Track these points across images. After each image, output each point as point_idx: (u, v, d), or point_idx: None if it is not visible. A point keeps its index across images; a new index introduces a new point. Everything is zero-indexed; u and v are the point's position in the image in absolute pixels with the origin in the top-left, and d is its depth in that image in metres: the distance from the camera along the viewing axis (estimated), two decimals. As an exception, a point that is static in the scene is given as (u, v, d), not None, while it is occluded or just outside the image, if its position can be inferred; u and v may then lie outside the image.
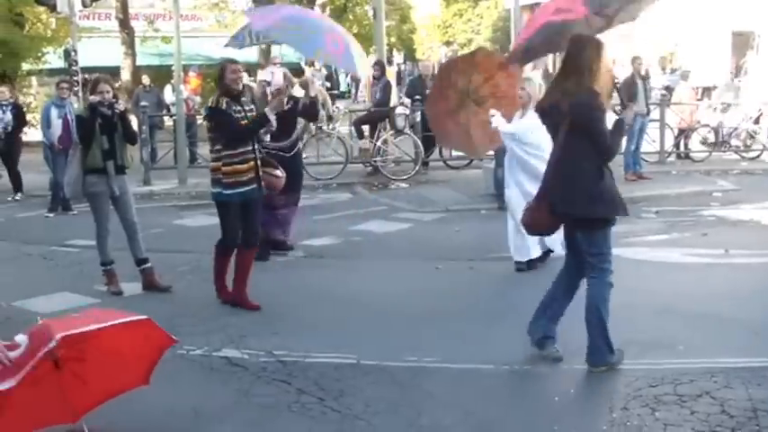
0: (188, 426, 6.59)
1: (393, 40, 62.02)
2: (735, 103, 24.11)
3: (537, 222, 7.46)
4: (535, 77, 10.54)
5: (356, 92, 30.43)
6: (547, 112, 7.45)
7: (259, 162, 9.63)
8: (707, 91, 34.00)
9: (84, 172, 10.10)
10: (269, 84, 12.19)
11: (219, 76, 9.61)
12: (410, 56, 71.34)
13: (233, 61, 9.66)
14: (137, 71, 31.84)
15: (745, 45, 39.04)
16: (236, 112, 9.33)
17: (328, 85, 30.20)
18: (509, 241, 10.83)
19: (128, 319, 6.05)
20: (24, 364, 5.40)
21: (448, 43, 78.22)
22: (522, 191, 10.25)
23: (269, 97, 11.33)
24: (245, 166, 9.39)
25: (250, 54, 34.85)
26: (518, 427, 6.45)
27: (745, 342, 8.12)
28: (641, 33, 40.80)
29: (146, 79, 25.52)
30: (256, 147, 9.65)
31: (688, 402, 6.67)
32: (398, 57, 63.69)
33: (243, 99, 9.66)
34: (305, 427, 6.47)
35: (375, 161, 19.91)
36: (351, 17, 43.41)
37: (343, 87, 44.69)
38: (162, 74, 30.86)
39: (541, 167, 8.55)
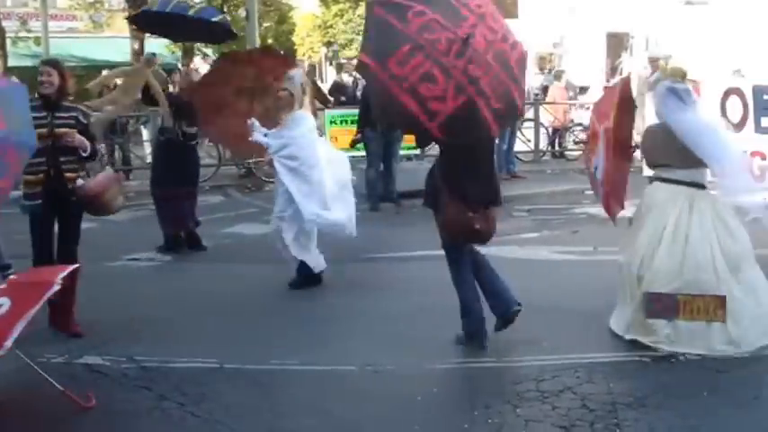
0: (46, 434, 6.48)
1: (270, 41, 61.63)
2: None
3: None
4: (297, 77, 10.23)
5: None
6: None
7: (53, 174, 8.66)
8: (582, 91, 34.56)
9: None
10: None
11: None
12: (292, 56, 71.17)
13: (48, 62, 9.05)
14: (8, 72, 31.12)
15: (619, 46, 39.80)
16: (35, 119, 8.17)
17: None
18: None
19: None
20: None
21: (329, 44, 78.21)
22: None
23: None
24: (32, 177, 8.57)
25: (124, 54, 34.41)
26: (379, 427, 6.46)
27: (607, 337, 8.27)
28: (522, 34, 41.10)
29: (14, 81, 24.93)
30: (62, 159, 8.68)
31: (550, 398, 6.77)
32: (278, 58, 63.40)
33: (63, 104, 8.79)
34: (164, 432, 6.41)
35: (248, 163, 19.79)
36: (228, 19, 43.04)
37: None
38: (35, 75, 30.23)
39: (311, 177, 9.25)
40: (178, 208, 12.05)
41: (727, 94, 12.15)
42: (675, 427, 6.25)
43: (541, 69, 31.16)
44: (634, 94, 10.42)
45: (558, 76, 24.75)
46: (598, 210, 14.76)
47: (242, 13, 34.73)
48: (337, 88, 21.41)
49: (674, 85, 8.15)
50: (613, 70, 37.97)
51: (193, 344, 8.29)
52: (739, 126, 12.09)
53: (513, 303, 7.99)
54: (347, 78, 20.60)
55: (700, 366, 7.46)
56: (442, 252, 8.03)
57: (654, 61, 16.22)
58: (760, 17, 27.28)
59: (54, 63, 8.92)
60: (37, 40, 33.41)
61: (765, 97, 11.83)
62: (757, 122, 11.96)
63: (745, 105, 12.03)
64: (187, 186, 12.14)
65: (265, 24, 47.41)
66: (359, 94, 18.11)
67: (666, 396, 6.81)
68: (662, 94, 8.07)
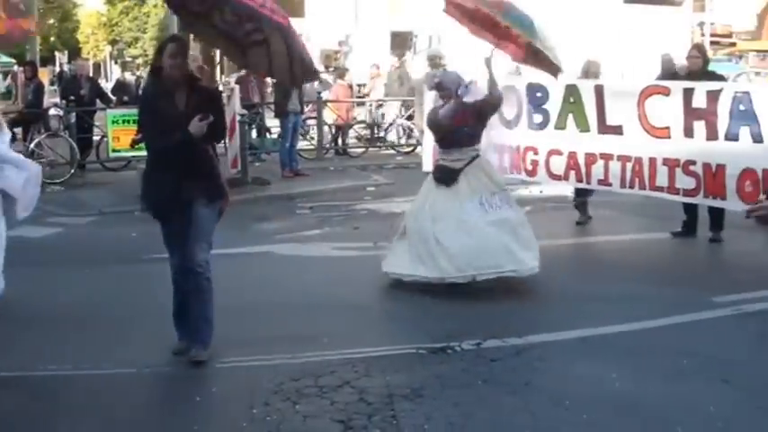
0: None
1: (53, 39, 60.04)
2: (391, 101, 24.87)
3: None
4: None
5: (16, 92, 29.28)
6: None
7: None
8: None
9: None
10: None
11: None
12: (76, 55, 69.41)
13: None
14: None
15: (403, 45, 40.44)
16: None
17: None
18: None
19: None
20: None
21: (114, 42, 76.74)
22: None
23: None
24: None
25: None
26: (158, 429, 6.38)
27: (385, 331, 8.40)
28: (309, 32, 41.38)
29: None
30: None
31: (328, 393, 6.81)
32: (63, 57, 61.76)
33: None
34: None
35: (28, 164, 19.18)
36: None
37: (0, 89, 42.91)
38: None
39: None
40: None
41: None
42: (451, 416, 6.38)
43: (327, 68, 31.34)
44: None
45: (341, 75, 24.94)
46: (379, 206, 15.08)
47: (21, 6, 33.61)
48: (120, 87, 21.09)
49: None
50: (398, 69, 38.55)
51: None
52: (514, 122, 12.49)
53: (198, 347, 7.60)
54: (130, 77, 20.26)
55: (474, 356, 7.67)
56: (222, 251, 7.97)
57: (433, 59, 16.53)
58: (535, 16, 28.09)
59: None
60: None
61: (538, 95, 12.26)
62: (530, 119, 12.38)
63: (520, 103, 12.44)
64: None
65: (48, 22, 46.19)
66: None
67: (442, 386, 6.95)
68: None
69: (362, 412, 6.45)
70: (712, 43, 44.24)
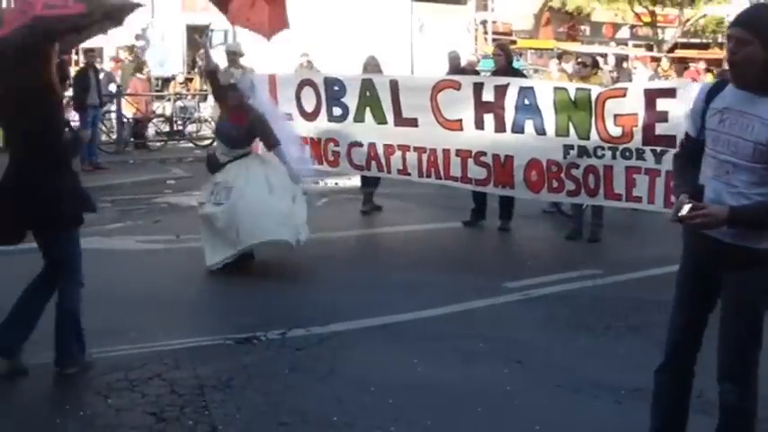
0: None
1: None
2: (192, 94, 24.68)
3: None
4: None
5: None
6: None
7: None
8: (166, 82, 34.40)
9: None
10: None
11: None
12: None
13: None
14: None
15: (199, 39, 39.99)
16: None
17: None
18: None
19: None
20: None
21: None
22: None
23: None
24: None
25: None
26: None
27: (192, 323, 8.34)
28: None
29: None
30: None
31: (139, 386, 6.71)
32: None
33: None
34: None
35: None
36: None
37: None
38: None
39: None
40: None
41: (302, 84, 12.58)
42: (261, 405, 6.39)
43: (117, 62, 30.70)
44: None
45: (139, 68, 24.53)
46: (179, 199, 14.91)
47: None
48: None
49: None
50: (194, 62, 38.12)
51: None
52: (314, 115, 12.55)
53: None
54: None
55: (280, 345, 7.69)
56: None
57: (231, 55, 16.41)
58: (327, 11, 28.27)
59: None
60: None
61: (335, 88, 12.35)
62: (330, 112, 12.46)
63: (318, 96, 12.50)
64: None
65: None
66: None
67: (250, 376, 6.95)
68: None
69: (174, 404, 6.38)
70: (494, 41, 45.43)
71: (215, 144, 10.97)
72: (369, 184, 13.85)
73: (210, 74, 11.08)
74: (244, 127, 10.23)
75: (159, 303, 8.97)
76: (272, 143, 10.33)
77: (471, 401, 6.49)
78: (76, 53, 28.64)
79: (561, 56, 23.97)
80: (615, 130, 10.50)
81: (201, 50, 38.64)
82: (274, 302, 9.07)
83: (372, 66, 13.62)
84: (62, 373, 6.98)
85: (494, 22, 52.26)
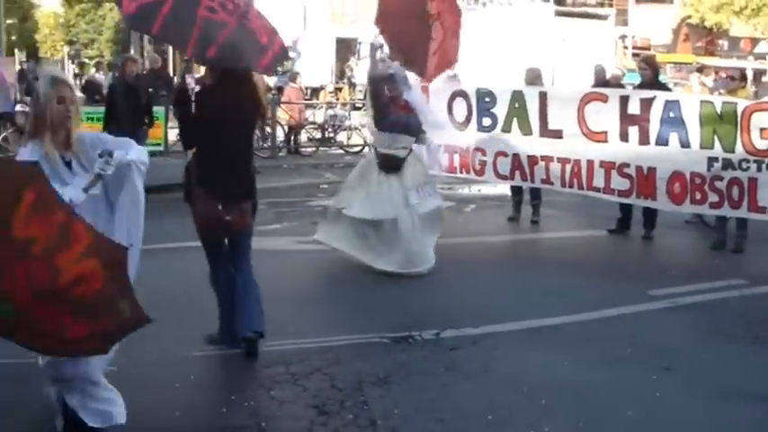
0: None
1: (14, 38, 59.07)
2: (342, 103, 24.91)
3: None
4: None
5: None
6: None
7: None
8: (315, 92, 34.86)
9: None
10: None
11: None
12: (34, 54, 68.37)
13: None
14: None
15: (347, 50, 40.39)
16: None
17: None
18: None
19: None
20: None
21: (71, 42, 75.79)
22: None
23: None
24: None
25: None
26: (140, 415, 6.28)
27: (349, 322, 8.40)
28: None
29: None
30: None
31: (301, 380, 6.80)
32: (22, 55, 60.80)
33: None
34: None
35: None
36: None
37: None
38: None
39: None
40: None
41: (453, 96, 12.59)
42: (417, 402, 6.41)
43: (275, 71, 31.13)
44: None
45: (293, 78, 24.88)
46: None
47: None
48: (90, 86, 20.81)
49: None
50: (342, 73, 38.55)
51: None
52: (464, 125, 12.54)
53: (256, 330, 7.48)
54: (100, 77, 19.98)
55: (435, 345, 7.70)
56: (183, 244, 7.85)
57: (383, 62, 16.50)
58: (473, 27, 28.26)
59: None
60: None
61: (487, 99, 12.32)
62: (479, 122, 12.44)
63: (470, 107, 12.49)
64: None
65: (9, 21, 45.53)
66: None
67: (407, 374, 6.97)
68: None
69: (335, 398, 6.45)
70: (634, 55, 44.78)
71: (369, 149, 10.92)
72: (517, 192, 13.75)
73: (376, 81, 11.02)
74: (409, 115, 10.41)
75: (316, 301, 9.09)
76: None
77: (622, 405, 6.40)
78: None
79: (701, 69, 23.52)
80: (761, 143, 10.23)
81: (350, 62, 39.15)
82: (428, 304, 9.09)
83: (534, 76, 13.54)
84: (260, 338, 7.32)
85: (633, 37, 51.60)
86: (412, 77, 11.34)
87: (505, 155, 12.33)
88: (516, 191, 13.74)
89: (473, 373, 7.05)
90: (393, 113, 10.43)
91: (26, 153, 5.09)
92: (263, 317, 7.36)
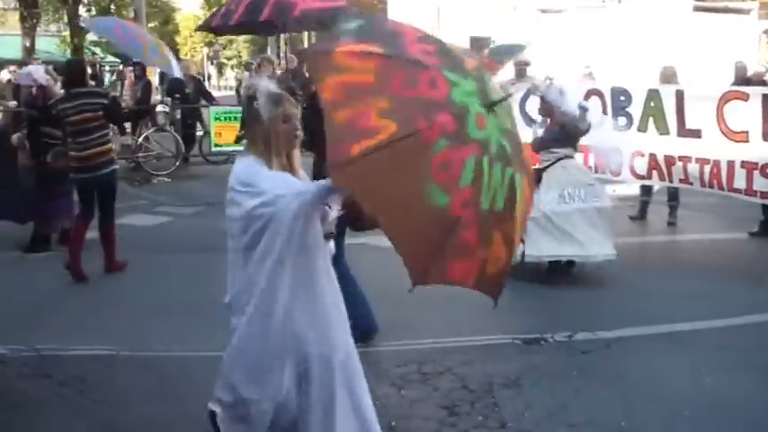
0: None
1: (156, 41, 60.63)
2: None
3: None
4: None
5: (122, 90, 29.62)
6: None
7: None
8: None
9: None
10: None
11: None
12: (174, 56, 69.93)
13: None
14: None
15: (482, 50, 40.19)
16: None
17: (93, 83, 29.05)
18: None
19: None
20: None
21: (210, 44, 77.47)
22: None
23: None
24: None
25: (15, 51, 33.48)
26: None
27: (481, 322, 8.30)
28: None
29: None
30: None
31: (431, 380, 6.76)
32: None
33: None
34: (64, 419, 6.18)
35: (137, 157, 19.40)
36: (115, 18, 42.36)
37: (107, 85, 43.41)
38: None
39: None
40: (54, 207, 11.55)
41: (588, 94, 12.34)
42: (549, 405, 6.30)
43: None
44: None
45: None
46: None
47: (130, 13, 34.10)
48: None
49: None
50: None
51: (90, 332, 8.04)
52: (599, 125, 12.28)
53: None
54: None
55: (567, 348, 7.55)
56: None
57: (519, 65, 16.28)
58: (608, 24, 27.85)
59: None
60: None
61: (622, 98, 12.05)
62: (614, 122, 12.18)
63: (604, 105, 12.24)
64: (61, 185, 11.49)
65: (150, 24, 46.70)
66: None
67: (539, 376, 6.86)
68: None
69: (465, 399, 6.38)
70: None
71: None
72: (646, 192, 13.45)
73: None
74: (557, 130, 10.23)
75: (450, 301, 8.93)
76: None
77: (765, 420, 6.14)
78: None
79: None
80: None
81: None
82: (560, 305, 8.94)
83: (669, 74, 13.21)
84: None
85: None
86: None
87: (642, 154, 12.02)
88: (645, 191, 13.44)
89: (606, 377, 6.87)
90: (546, 132, 10.48)
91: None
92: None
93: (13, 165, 11.55)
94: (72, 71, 10.43)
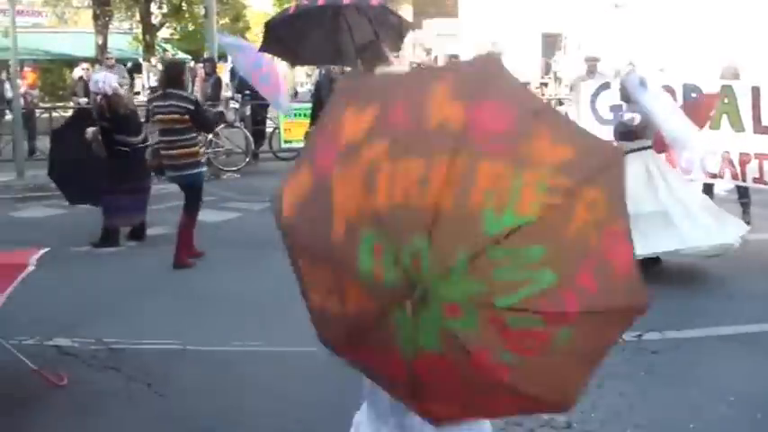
0: (15, 414, 6.29)
1: (226, 38, 61.25)
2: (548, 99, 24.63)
3: None
4: None
5: (192, 87, 29.98)
6: None
7: None
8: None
9: None
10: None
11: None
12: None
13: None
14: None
15: (553, 46, 40.00)
16: None
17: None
18: None
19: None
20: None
21: (280, 41, 77.91)
22: None
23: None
24: None
25: (88, 49, 33.98)
26: (335, 410, 6.32)
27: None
28: (462, 32, 41.21)
29: None
30: None
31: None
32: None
33: None
34: (131, 413, 6.27)
35: (207, 153, 19.58)
36: (187, 16, 42.86)
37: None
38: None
39: None
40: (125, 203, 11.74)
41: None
42: (616, 406, 6.24)
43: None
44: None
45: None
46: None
47: (201, 10, 34.45)
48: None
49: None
50: (548, 67, 38.17)
51: (158, 326, 8.15)
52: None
53: None
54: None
55: (636, 347, 7.45)
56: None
57: (590, 61, 16.18)
58: (679, 19, 27.54)
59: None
60: (5, 32, 33.05)
61: (693, 95, 11.87)
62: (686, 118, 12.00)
63: (676, 102, 12.07)
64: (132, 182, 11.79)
65: (221, 21, 47.14)
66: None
67: (606, 375, 6.75)
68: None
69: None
70: None
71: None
72: (744, 194, 13.12)
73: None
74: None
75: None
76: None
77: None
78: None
79: None
80: None
81: (555, 56, 38.72)
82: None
83: (730, 73, 12.99)
84: None
85: None
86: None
87: (714, 152, 11.84)
88: (705, 188, 13.20)
89: (675, 378, 6.79)
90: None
91: None
92: None
93: (87, 150, 11.76)
94: (170, 73, 10.90)
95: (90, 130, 11.71)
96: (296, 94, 23.25)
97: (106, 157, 11.52)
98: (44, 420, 6.24)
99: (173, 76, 10.68)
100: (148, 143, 11.92)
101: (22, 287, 6.74)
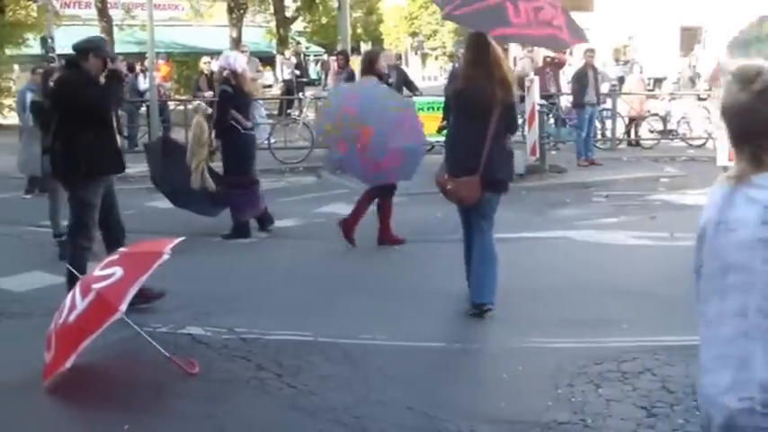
0: (149, 400, 6.47)
1: (359, 31, 61.66)
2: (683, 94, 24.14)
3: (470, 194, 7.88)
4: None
5: (325, 80, 30.26)
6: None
7: None
8: (657, 82, 34.03)
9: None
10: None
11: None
12: (378, 46, 71.12)
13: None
14: (114, 58, 31.51)
15: (692, 39, 39.13)
16: None
17: (298, 72, 29.96)
18: None
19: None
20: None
21: (414, 34, 78.22)
22: None
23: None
24: None
25: (223, 42, 34.60)
26: (466, 402, 6.35)
27: (685, 321, 8.04)
28: (597, 26, 40.64)
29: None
30: None
31: (630, 379, 6.61)
32: (366, 47, 63.43)
33: None
34: (262, 402, 6.37)
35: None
36: (320, 8, 43.30)
37: (312, 75, 44.44)
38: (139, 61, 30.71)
39: None
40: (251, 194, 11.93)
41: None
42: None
43: (616, 60, 30.61)
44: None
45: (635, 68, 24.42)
46: (674, 197, 14.60)
47: (334, 3, 34.76)
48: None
49: None
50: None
51: (289, 317, 8.27)
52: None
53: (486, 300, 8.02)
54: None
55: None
56: (523, 234, 7.95)
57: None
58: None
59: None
60: (143, 27, 33.96)
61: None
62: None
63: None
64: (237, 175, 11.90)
65: (355, 14, 47.53)
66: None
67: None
68: None
69: (665, 401, 6.21)
70: None
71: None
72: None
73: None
74: None
75: (649, 298, 8.79)
76: None
77: None
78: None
79: None
80: None
81: (694, 51, 37.88)
82: None
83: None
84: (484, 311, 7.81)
85: None
86: None
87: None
88: None
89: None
90: None
91: None
92: (490, 289, 7.93)
93: (184, 169, 11.99)
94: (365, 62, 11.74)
95: (198, 104, 11.96)
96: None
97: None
98: (177, 406, 6.40)
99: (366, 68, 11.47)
100: (255, 135, 12.12)
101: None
